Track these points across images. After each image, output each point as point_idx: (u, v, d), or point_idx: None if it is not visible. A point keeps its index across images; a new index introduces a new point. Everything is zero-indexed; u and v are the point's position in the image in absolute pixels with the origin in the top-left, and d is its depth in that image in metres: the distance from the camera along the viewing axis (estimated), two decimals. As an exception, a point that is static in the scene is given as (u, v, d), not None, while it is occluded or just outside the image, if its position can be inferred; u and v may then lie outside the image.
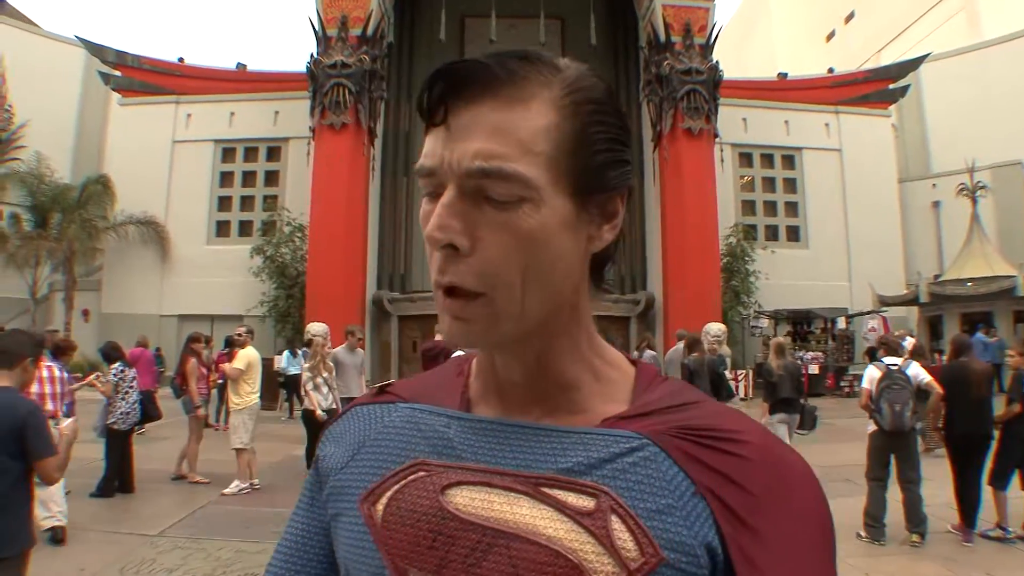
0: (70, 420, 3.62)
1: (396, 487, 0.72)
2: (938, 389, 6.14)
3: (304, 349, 14.30)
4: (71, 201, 20.90)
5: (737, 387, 16.48)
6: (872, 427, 6.13)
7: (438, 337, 8.71)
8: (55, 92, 22.95)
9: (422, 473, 0.72)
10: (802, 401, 8.18)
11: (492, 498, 0.68)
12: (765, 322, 20.83)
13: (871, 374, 6.15)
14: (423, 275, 19.44)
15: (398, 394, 0.84)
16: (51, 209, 20.99)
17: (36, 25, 25.92)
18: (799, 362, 11.26)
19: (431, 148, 0.66)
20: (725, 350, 17.01)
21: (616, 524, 0.65)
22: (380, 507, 0.72)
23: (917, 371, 6.16)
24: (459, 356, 0.86)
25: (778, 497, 0.67)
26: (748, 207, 22.47)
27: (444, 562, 0.67)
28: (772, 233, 22.40)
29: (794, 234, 22.62)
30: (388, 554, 0.70)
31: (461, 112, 0.63)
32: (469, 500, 0.69)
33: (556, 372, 0.73)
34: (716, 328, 16.79)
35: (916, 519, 5.88)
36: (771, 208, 22.71)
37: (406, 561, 0.69)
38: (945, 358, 7.46)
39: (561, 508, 0.66)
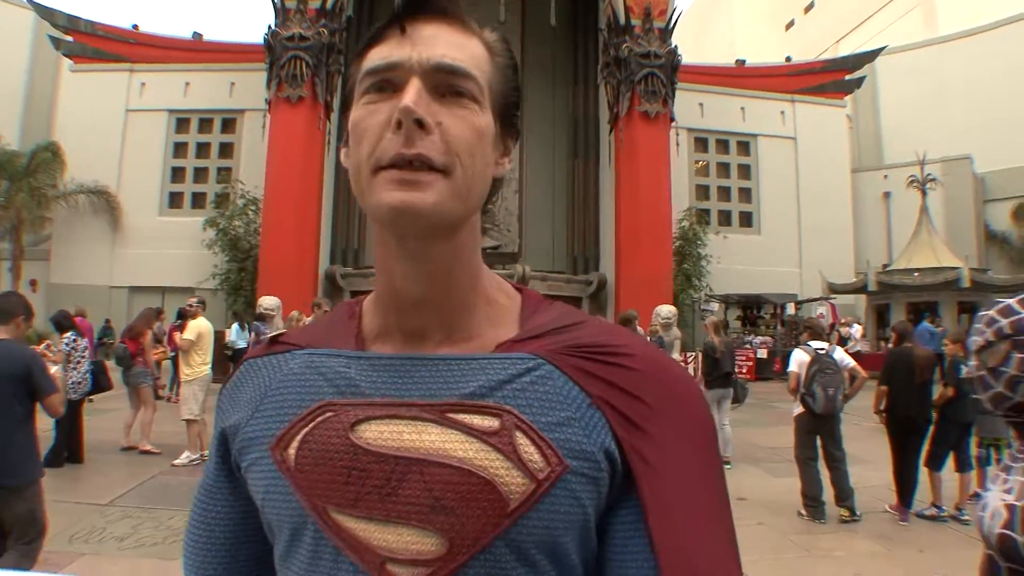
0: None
1: (305, 430, 0.75)
2: (863, 373, 6.42)
3: (258, 323, 14.26)
4: (19, 169, 20.42)
5: (687, 369, 16.86)
6: (798, 410, 6.32)
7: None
8: (3, 56, 22.36)
9: (329, 414, 0.75)
10: (734, 376, 8.58)
11: (400, 428, 0.72)
12: (715, 306, 21.17)
13: (799, 358, 6.34)
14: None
15: (292, 342, 0.85)
16: (-1, 176, 20.58)
17: (-16, -14, 25.16)
18: (733, 340, 11.62)
19: (389, 51, 0.73)
20: (675, 332, 17.33)
21: (521, 439, 0.70)
22: (292, 451, 0.74)
23: (843, 356, 6.45)
24: (348, 301, 0.92)
25: (667, 403, 0.74)
26: (702, 192, 22.77)
27: (360, 495, 0.71)
28: (725, 218, 22.76)
29: (747, 220, 23.00)
30: (304, 495, 0.73)
31: (423, 26, 0.73)
32: (378, 433, 0.72)
33: (458, 290, 0.78)
34: (666, 310, 16.87)
35: (844, 494, 6.15)
36: (725, 193, 23.04)
37: (323, 500, 0.72)
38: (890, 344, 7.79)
39: (468, 430, 0.70)
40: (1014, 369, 1.51)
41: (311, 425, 0.75)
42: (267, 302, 14.75)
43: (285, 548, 0.76)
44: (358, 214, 20.08)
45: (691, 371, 16.57)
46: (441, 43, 0.73)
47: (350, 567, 0.71)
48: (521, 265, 17.17)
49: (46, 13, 21.00)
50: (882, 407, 6.53)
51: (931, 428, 6.36)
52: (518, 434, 0.70)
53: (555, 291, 18.11)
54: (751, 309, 21.74)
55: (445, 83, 0.72)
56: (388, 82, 0.73)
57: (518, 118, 0.82)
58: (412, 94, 0.69)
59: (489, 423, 0.71)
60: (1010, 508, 1.54)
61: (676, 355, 11.59)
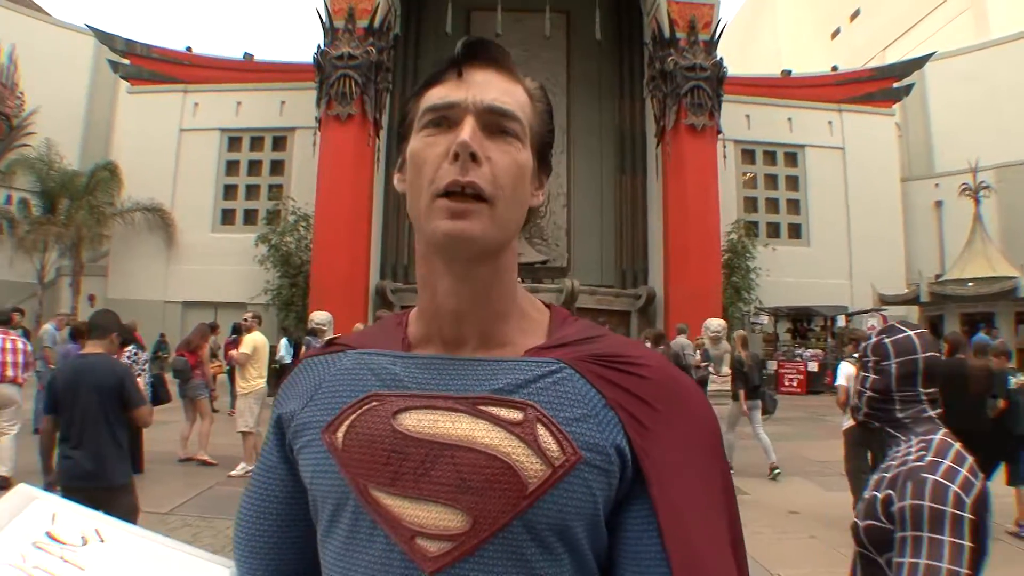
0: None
1: (353, 416, 0.85)
2: None
3: (309, 338, 14.44)
4: (79, 187, 21.09)
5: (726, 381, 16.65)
6: (848, 423, 6.23)
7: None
8: (65, 80, 23.11)
9: (375, 403, 0.85)
10: (762, 388, 8.70)
11: (436, 418, 0.81)
12: (765, 319, 20.90)
13: (847, 371, 6.28)
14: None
15: (346, 344, 0.96)
16: (60, 195, 21.19)
17: (47, 13, 26.04)
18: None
19: (447, 92, 0.84)
20: (725, 346, 17.12)
21: (541, 431, 0.79)
22: (340, 435, 0.84)
23: None
24: (397, 312, 1.03)
25: (675, 410, 0.83)
26: (750, 204, 22.52)
27: (397, 474, 0.80)
28: (774, 230, 22.45)
29: (796, 231, 22.67)
30: (349, 473, 0.82)
31: (477, 72, 0.85)
32: (417, 421, 0.82)
33: (494, 301, 0.88)
34: (716, 324, 16.76)
35: None
36: (773, 205, 22.75)
37: (365, 478, 0.81)
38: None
39: (495, 421, 0.80)
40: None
41: (358, 412, 0.84)
42: (319, 317, 14.95)
43: (327, 523, 0.84)
44: (407, 230, 20.23)
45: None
46: (492, 88, 0.84)
47: (384, 539, 0.79)
48: (570, 279, 17.15)
49: (105, 38, 21.74)
50: None
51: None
52: (539, 426, 0.79)
53: (604, 305, 18.05)
54: (801, 322, 21.38)
55: (495, 123, 0.83)
56: (445, 119, 0.83)
57: (551, 156, 0.93)
58: (468, 130, 0.80)
59: (514, 415, 0.79)
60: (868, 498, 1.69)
61: (725, 369, 11.36)
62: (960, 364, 6.48)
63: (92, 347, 4.16)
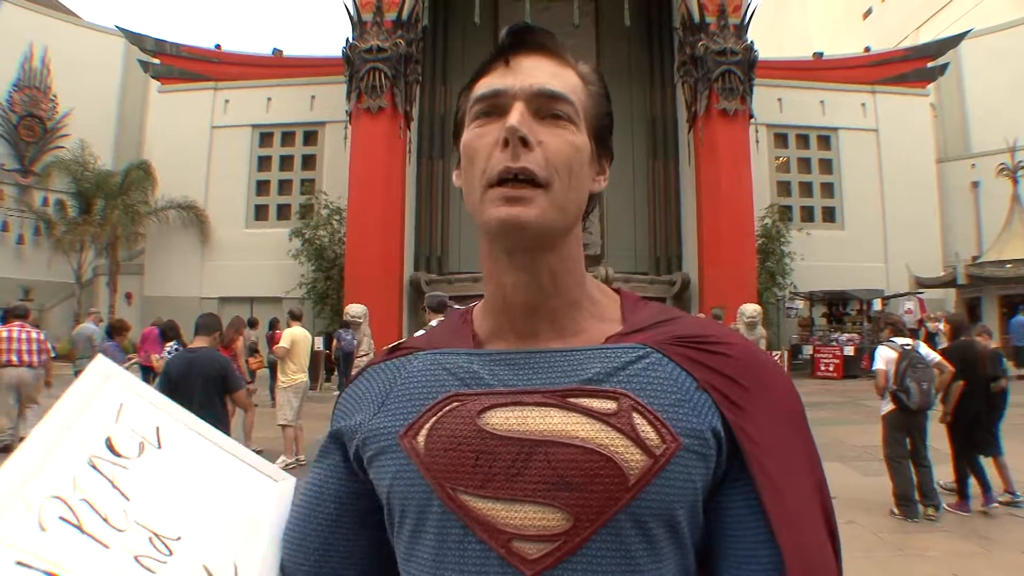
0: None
1: (433, 419, 0.81)
2: (949, 367, 6.24)
3: (341, 331, 14.51)
4: (114, 187, 21.37)
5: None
6: (888, 407, 6.17)
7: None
8: (97, 81, 23.42)
9: (456, 404, 0.81)
10: None
11: (525, 414, 0.78)
12: (800, 303, 20.73)
13: (886, 355, 6.18)
14: (459, 256, 19.61)
15: (413, 347, 0.93)
16: (95, 195, 21.50)
17: (78, 16, 26.35)
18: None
19: (494, 80, 0.82)
20: (760, 331, 17.00)
21: (638, 419, 0.75)
22: (420, 439, 0.80)
23: (927, 351, 6.28)
24: (459, 309, 0.99)
25: (763, 387, 0.81)
26: (783, 188, 22.26)
27: (488, 477, 0.76)
28: (808, 214, 22.20)
29: (830, 215, 22.38)
30: (435, 479, 0.78)
31: (524, 59, 0.82)
32: (504, 419, 0.78)
33: (564, 290, 0.85)
34: (751, 309, 16.75)
35: (932, 493, 6.05)
36: (807, 189, 22.48)
37: (452, 483, 0.77)
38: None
39: (588, 412, 0.76)
40: None
41: (439, 414, 0.81)
42: (354, 309, 15.09)
43: (412, 532, 0.80)
44: (440, 221, 20.42)
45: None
46: (541, 72, 0.81)
47: (478, 545, 0.75)
48: (604, 267, 17.07)
49: (135, 39, 21.96)
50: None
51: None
52: (635, 415, 0.76)
53: (639, 292, 17.89)
54: (836, 306, 21.15)
55: (545, 107, 0.80)
56: (495, 107, 0.81)
57: (611, 140, 0.90)
58: (516, 115, 0.78)
59: (608, 405, 0.76)
60: None
61: None
62: (969, 346, 6.53)
63: (199, 342, 5.11)
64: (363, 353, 14.26)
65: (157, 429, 1.01)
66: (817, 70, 22.52)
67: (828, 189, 22.49)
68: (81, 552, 0.85)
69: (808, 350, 19.30)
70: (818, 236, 21.18)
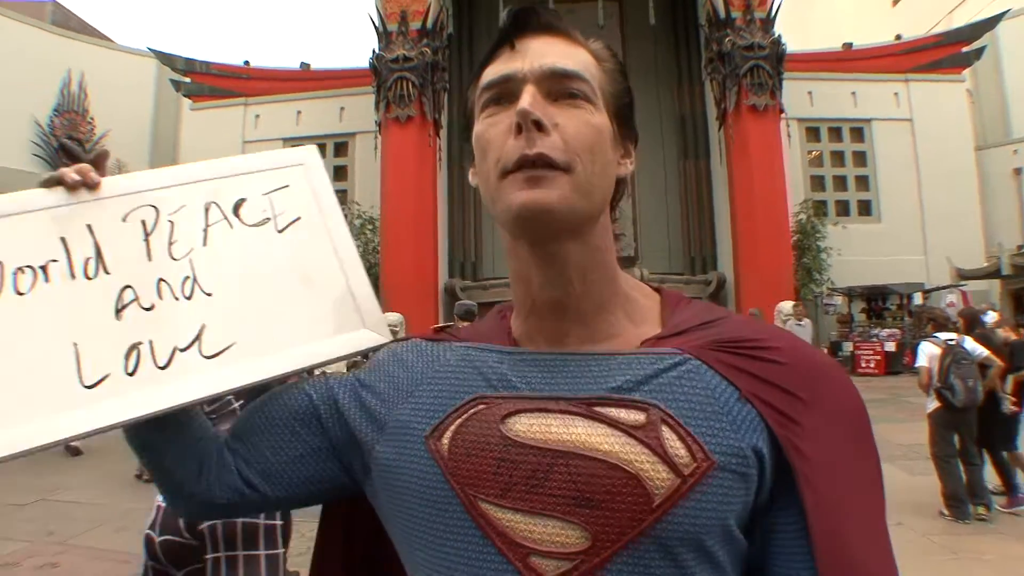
0: None
1: (458, 421, 0.78)
2: (998, 362, 6.10)
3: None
4: (150, 205, 21.81)
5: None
6: (933, 405, 6.01)
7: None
8: (131, 102, 23.89)
9: (482, 407, 0.78)
10: None
11: (549, 422, 0.74)
12: (839, 299, 20.42)
13: (929, 351, 6.04)
14: (493, 262, 19.59)
15: (454, 336, 0.91)
16: (132, 213, 21.97)
17: (111, 41, 26.98)
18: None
19: (501, 66, 0.78)
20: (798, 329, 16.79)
21: (667, 434, 0.70)
22: (445, 441, 0.77)
23: (974, 345, 6.11)
24: (500, 305, 0.96)
25: (819, 395, 0.74)
26: (817, 182, 21.93)
27: (508, 486, 0.72)
28: (843, 208, 21.83)
29: (866, 208, 21.98)
30: (458, 484, 0.75)
31: (531, 40, 0.78)
32: (528, 426, 0.74)
33: (593, 287, 0.80)
34: (789, 306, 16.53)
35: (982, 492, 5.90)
36: (841, 183, 22.10)
37: (474, 489, 0.74)
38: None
39: (614, 424, 0.71)
40: None
41: (464, 417, 0.78)
42: (391, 318, 15.12)
43: (430, 535, 0.77)
44: (474, 227, 20.43)
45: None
46: (550, 52, 0.77)
47: (496, 557, 0.72)
48: (639, 268, 16.94)
49: (166, 59, 22.46)
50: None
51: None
52: (664, 428, 0.70)
53: (674, 293, 17.89)
54: (876, 301, 20.80)
55: (558, 87, 0.76)
56: (504, 94, 0.77)
57: (634, 119, 0.85)
58: (527, 98, 0.73)
59: (635, 417, 0.71)
60: (158, 507, 1.59)
61: None
62: (987, 338, 6.46)
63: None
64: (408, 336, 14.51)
65: (296, 219, 1.04)
66: (847, 61, 22.15)
67: (863, 182, 22.10)
68: (129, 250, 0.94)
69: (848, 347, 19.00)
70: (854, 230, 20.83)
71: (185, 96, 22.49)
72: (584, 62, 0.79)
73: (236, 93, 21.93)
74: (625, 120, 0.83)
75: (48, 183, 0.94)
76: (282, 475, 0.90)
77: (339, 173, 21.67)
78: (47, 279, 0.89)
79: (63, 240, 0.91)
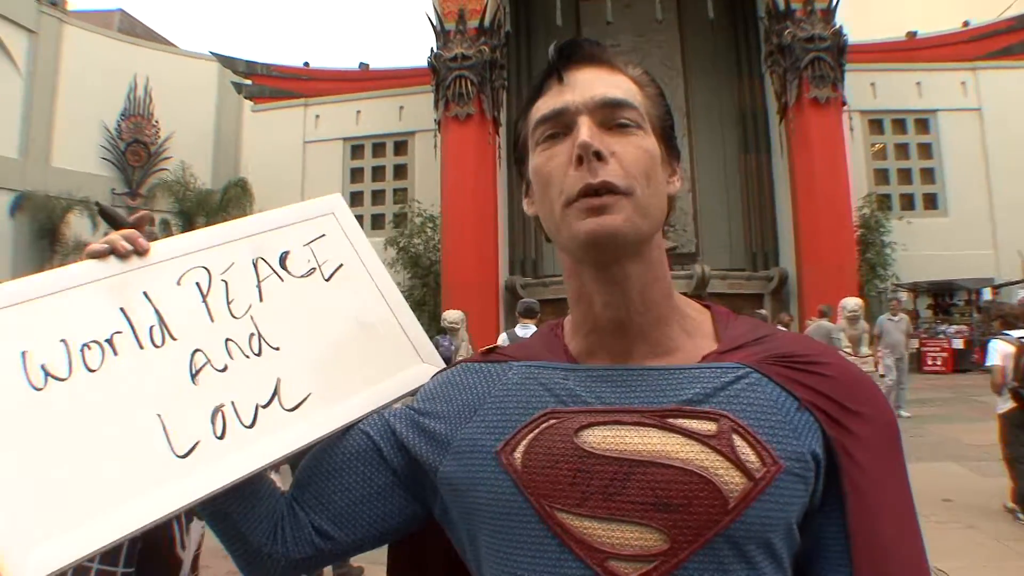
0: None
1: (531, 436, 0.81)
2: None
3: (439, 337, 14.77)
4: (214, 205, 22.37)
5: (877, 364, 15.95)
6: (1007, 406, 5.79)
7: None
8: (194, 105, 24.58)
9: (553, 421, 0.81)
10: None
11: (623, 433, 0.78)
12: (904, 295, 19.93)
13: (1003, 349, 5.83)
14: (554, 260, 19.54)
15: (509, 356, 0.94)
16: (197, 213, 22.50)
17: (174, 45, 27.78)
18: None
19: (553, 100, 0.83)
20: (863, 325, 16.41)
21: (739, 441, 0.75)
22: (518, 455, 0.81)
23: None
24: (549, 323, 0.99)
25: (862, 406, 0.80)
26: (881, 176, 21.42)
27: (586, 495, 0.76)
28: (908, 202, 21.29)
29: (932, 202, 21.39)
30: (533, 496, 0.79)
31: (577, 73, 0.83)
32: (602, 438, 0.78)
33: (653, 304, 0.84)
34: (853, 303, 16.12)
35: None
36: (906, 176, 21.55)
37: (550, 500, 0.78)
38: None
39: (688, 434, 0.76)
40: None
41: (536, 431, 0.81)
42: (451, 316, 15.25)
43: (504, 548, 0.80)
44: (534, 225, 20.27)
45: (880, 368, 15.58)
46: (598, 83, 0.82)
47: (574, 563, 0.75)
48: (700, 265, 16.83)
49: (228, 62, 22.95)
50: None
51: None
52: (735, 437, 0.75)
53: (735, 289, 17.64)
54: (943, 297, 20.28)
55: (610, 116, 0.81)
56: (559, 127, 0.82)
57: (676, 139, 0.90)
58: (585, 131, 0.78)
59: (707, 427, 0.76)
60: None
61: (865, 349, 10.94)
62: None
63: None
64: (461, 359, 14.55)
65: (339, 266, 1.08)
66: (912, 50, 21.58)
67: (929, 175, 21.51)
68: (189, 313, 0.94)
69: (914, 344, 18.55)
70: (920, 224, 20.29)
71: (246, 98, 23.02)
72: (629, 90, 0.84)
73: (296, 94, 22.33)
74: (670, 140, 0.88)
75: (98, 254, 0.92)
76: (354, 517, 0.92)
77: (399, 172, 21.98)
78: (116, 352, 0.88)
79: (123, 310, 0.90)
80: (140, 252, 0.93)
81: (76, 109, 22.42)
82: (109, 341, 0.87)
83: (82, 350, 0.86)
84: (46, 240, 20.76)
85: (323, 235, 1.09)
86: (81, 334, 0.87)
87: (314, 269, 1.05)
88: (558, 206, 0.81)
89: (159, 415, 0.86)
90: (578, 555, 0.76)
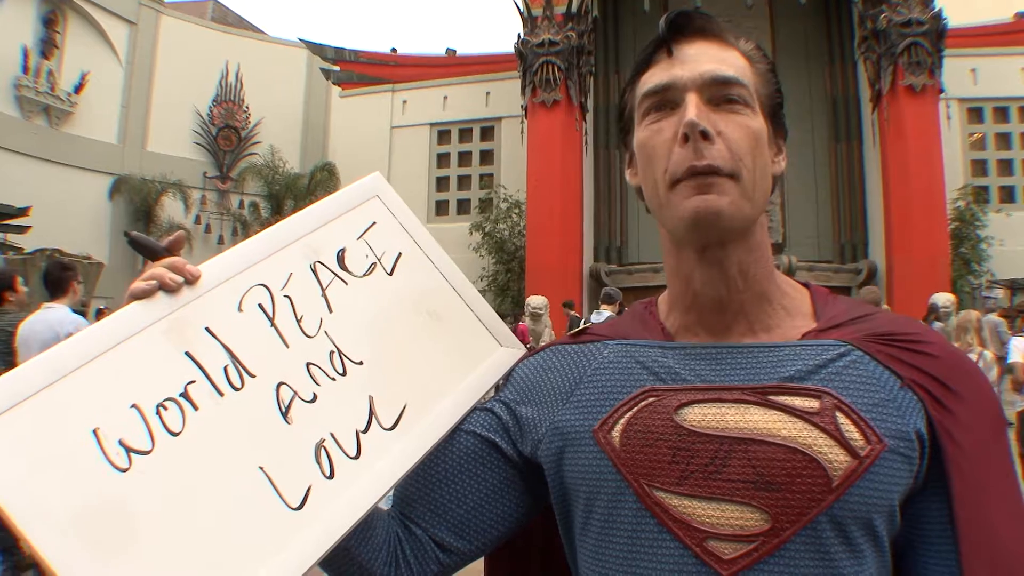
0: None
1: (629, 414, 0.81)
2: None
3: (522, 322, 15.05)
4: (301, 188, 23.04)
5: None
6: None
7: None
8: (283, 91, 25.34)
9: (652, 399, 0.81)
10: None
11: (724, 411, 0.77)
12: (1000, 292, 19.18)
13: (1022, 347, 5.74)
14: (639, 247, 19.70)
15: (600, 335, 0.93)
16: (285, 197, 23.29)
17: (264, 32, 28.67)
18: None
19: (661, 73, 0.82)
20: (954, 322, 15.92)
21: (842, 419, 0.74)
22: (616, 434, 0.80)
23: None
24: (642, 301, 0.97)
25: (965, 387, 0.79)
26: (978, 167, 20.61)
27: (686, 474, 0.76)
28: (1007, 194, 20.42)
29: (1032, 194, 20.57)
30: (631, 474, 0.78)
31: (686, 47, 0.82)
32: (702, 416, 0.78)
33: (754, 283, 0.84)
34: (944, 299, 15.70)
35: None
36: (1006, 167, 20.67)
37: (648, 479, 0.77)
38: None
39: (790, 411, 0.75)
40: None
41: (635, 409, 0.81)
42: (535, 301, 15.53)
43: (601, 527, 0.80)
44: (619, 211, 20.51)
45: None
46: (707, 58, 0.80)
47: (672, 543, 0.75)
48: (787, 255, 16.62)
49: (316, 49, 23.55)
50: None
51: None
52: (839, 414, 0.74)
53: (823, 281, 17.36)
54: (1041, 294, 19.46)
55: (718, 94, 0.79)
56: (666, 101, 0.81)
57: (784, 117, 0.88)
58: (693, 108, 0.77)
59: (810, 404, 0.75)
60: None
61: (955, 345, 10.67)
62: None
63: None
64: (544, 344, 14.77)
65: (398, 256, 1.01)
66: (1017, 33, 20.58)
67: (1030, 166, 20.65)
68: (261, 342, 0.84)
69: (1011, 343, 17.89)
70: (1019, 218, 19.49)
71: (334, 84, 23.56)
72: (740, 66, 0.82)
73: (383, 80, 22.79)
74: (777, 118, 0.87)
75: (144, 293, 0.79)
76: (474, 524, 0.90)
77: (485, 157, 22.25)
78: (195, 407, 0.77)
79: (189, 354, 0.79)
80: (191, 281, 0.82)
81: (170, 96, 23.41)
82: (184, 395, 0.77)
83: (158, 412, 0.74)
84: (142, 222, 21.78)
85: (374, 223, 1.02)
86: (152, 393, 0.75)
87: (375, 264, 0.99)
88: (662, 184, 0.81)
89: (261, 467, 0.77)
90: (676, 535, 0.75)
